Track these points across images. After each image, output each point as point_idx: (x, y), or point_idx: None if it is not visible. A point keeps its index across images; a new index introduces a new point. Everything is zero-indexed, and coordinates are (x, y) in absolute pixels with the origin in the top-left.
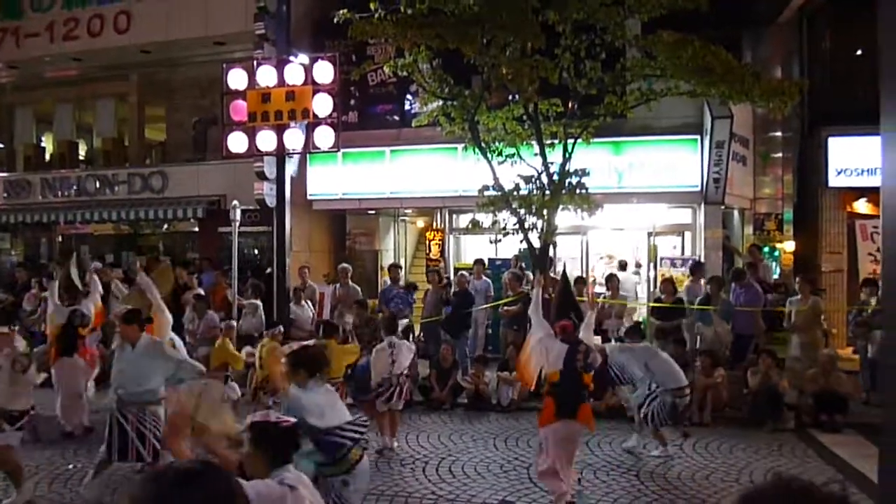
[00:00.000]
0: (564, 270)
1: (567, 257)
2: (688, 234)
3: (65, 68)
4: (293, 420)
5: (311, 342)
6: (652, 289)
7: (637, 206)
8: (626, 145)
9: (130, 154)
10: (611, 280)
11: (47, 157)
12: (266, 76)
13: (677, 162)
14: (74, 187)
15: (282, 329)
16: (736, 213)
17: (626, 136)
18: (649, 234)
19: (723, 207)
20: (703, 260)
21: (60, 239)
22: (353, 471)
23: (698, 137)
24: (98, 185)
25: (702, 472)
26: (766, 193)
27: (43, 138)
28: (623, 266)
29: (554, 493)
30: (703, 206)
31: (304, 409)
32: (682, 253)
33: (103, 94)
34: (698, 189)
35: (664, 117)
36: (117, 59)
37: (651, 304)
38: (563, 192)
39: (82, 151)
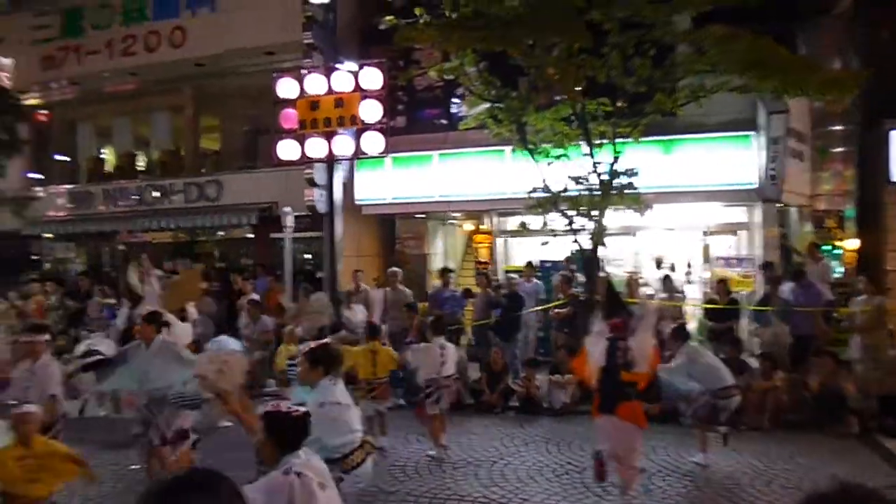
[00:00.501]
0: (606, 273)
1: (617, 258)
2: (743, 234)
3: (123, 83)
4: (305, 409)
5: (329, 340)
6: (706, 290)
7: (689, 206)
8: (677, 143)
9: (186, 164)
10: (665, 281)
11: (108, 168)
12: (315, 84)
13: (730, 159)
14: (134, 197)
15: (295, 329)
16: (793, 210)
17: (677, 134)
18: (703, 234)
19: (780, 205)
20: (760, 259)
21: (122, 247)
22: (352, 472)
23: (752, 134)
24: (156, 194)
25: (761, 478)
26: (826, 190)
27: (104, 151)
28: (659, 264)
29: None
30: (759, 204)
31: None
32: (737, 253)
33: (159, 106)
34: (753, 187)
35: (716, 114)
36: (172, 72)
37: (704, 306)
38: (613, 192)
39: (141, 162)
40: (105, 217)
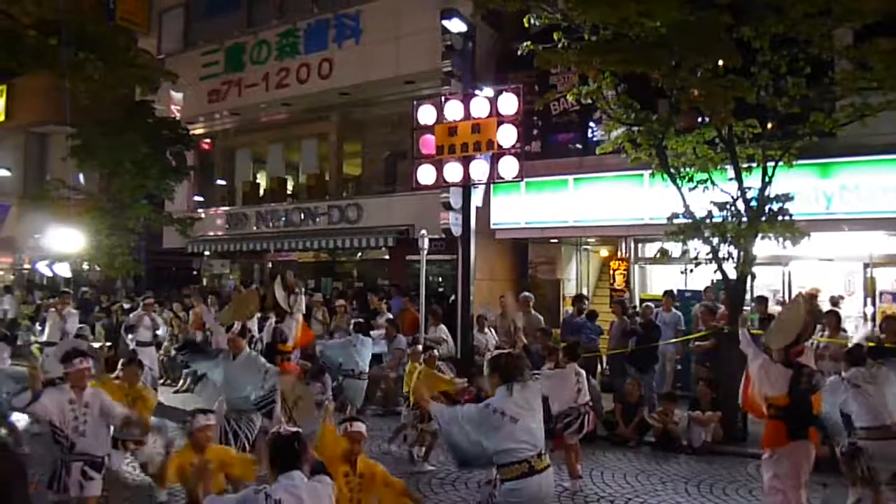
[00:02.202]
0: (808, 297)
1: (767, 289)
2: None
3: (276, 113)
4: (295, 429)
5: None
6: (872, 327)
7: (849, 234)
8: (836, 167)
9: (330, 188)
10: (829, 317)
11: (261, 192)
12: (453, 111)
13: None
14: (283, 219)
15: (419, 349)
16: None
17: (836, 156)
18: (865, 266)
19: None
20: None
21: (270, 265)
22: (515, 482)
23: None
24: (302, 216)
25: None
26: None
27: (258, 175)
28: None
29: None
30: None
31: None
32: None
33: (308, 134)
34: None
35: (882, 134)
36: (320, 102)
37: (868, 344)
38: (762, 219)
39: (290, 186)
40: (257, 237)
